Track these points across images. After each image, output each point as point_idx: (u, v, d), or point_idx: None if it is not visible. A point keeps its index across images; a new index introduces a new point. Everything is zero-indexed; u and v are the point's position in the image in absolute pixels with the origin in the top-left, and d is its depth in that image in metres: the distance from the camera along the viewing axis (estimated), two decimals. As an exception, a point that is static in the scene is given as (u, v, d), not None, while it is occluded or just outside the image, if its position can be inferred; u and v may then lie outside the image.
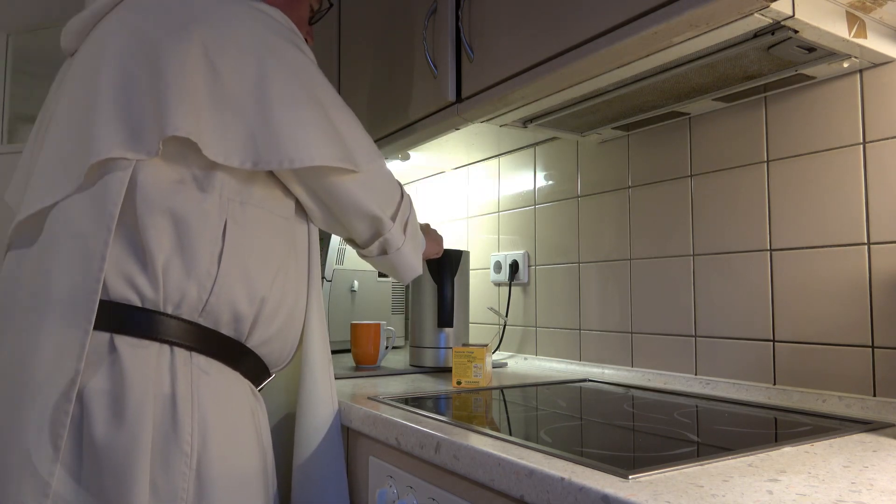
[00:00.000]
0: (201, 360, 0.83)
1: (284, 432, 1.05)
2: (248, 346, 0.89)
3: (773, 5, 0.75)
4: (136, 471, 0.74)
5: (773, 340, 1.09)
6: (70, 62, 0.95)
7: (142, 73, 0.82)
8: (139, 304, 0.79)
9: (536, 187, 1.64)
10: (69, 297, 0.77)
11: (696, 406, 1.02)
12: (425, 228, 1.25)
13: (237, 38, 0.85)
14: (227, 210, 0.84)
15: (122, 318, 0.78)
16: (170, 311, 0.81)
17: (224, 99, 0.82)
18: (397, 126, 1.41)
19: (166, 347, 0.80)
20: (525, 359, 1.62)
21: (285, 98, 0.84)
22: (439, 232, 1.33)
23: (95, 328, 0.76)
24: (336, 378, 1.03)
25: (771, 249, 1.10)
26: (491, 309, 1.68)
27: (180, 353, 0.81)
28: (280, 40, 0.88)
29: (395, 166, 1.83)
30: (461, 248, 1.55)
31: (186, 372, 0.80)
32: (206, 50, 0.82)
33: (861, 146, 0.99)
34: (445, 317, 1.44)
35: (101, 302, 0.77)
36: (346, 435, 1.04)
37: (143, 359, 0.78)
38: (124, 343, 0.77)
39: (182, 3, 0.87)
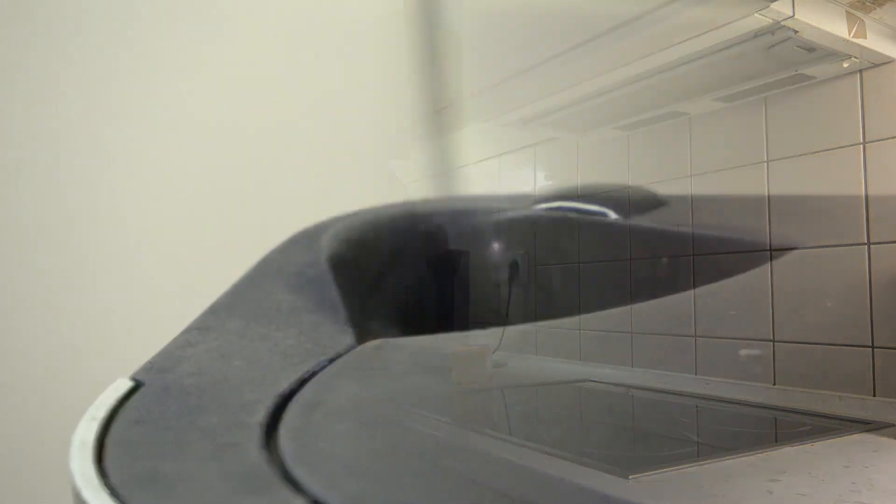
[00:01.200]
0: None
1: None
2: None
3: (773, 5, 0.75)
4: None
5: (773, 340, 1.09)
6: None
7: None
8: None
9: (536, 187, 1.63)
10: None
11: (696, 406, 1.02)
12: None
13: None
14: None
15: None
16: None
17: None
18: (397, 126, 1.40)
19: None
20: (525, 359, 1.62)
21: None
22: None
23: None
24: (336, 378, 1.04)
25: (771, 249, 1.10)
26: (490, 309, 1.68)
27: None
28: None
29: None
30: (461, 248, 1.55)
31: None
32: None
33: (861, 146, 0.99)
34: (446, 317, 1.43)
35: None
36: (346, 435, 1.04)
37: None
38: None
39: None
